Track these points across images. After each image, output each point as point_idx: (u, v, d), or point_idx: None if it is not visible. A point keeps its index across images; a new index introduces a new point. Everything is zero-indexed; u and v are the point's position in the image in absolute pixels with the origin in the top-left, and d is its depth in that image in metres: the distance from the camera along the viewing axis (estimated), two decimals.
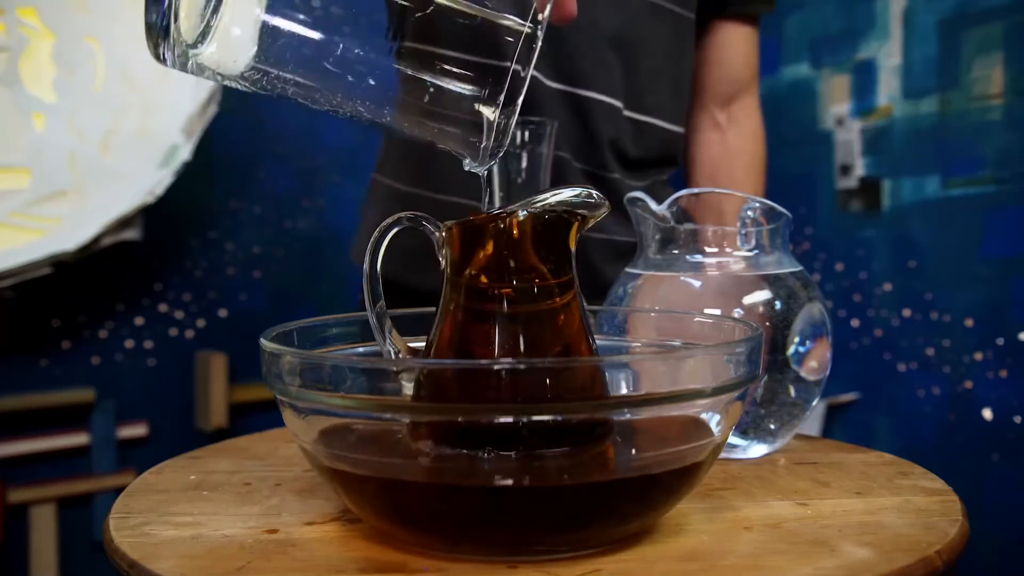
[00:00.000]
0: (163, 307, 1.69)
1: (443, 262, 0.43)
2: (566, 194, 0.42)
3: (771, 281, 0.56)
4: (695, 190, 0.58)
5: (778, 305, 0.55)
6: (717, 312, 0.54)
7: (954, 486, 0.48)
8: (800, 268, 0.58)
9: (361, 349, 0.50)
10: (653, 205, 0.57)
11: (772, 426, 0.55)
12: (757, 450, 0.56)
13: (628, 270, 0.60)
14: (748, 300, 0.54)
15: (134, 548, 0.39)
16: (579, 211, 0.42)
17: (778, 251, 0.58)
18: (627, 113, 0.85)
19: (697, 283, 0.56)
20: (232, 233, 1.71)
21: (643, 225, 0.59)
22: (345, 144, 1.84)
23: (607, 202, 0.43)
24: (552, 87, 0.82)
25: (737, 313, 0.54)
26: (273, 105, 1.80)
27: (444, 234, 0.43)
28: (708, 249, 0.57)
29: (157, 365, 1.68)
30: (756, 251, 0.57)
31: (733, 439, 0.55)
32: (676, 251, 0.57)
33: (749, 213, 0.57)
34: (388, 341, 0.45)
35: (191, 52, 0.39)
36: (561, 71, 0.82)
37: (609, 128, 0.84)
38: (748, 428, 0.55)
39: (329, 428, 0.42)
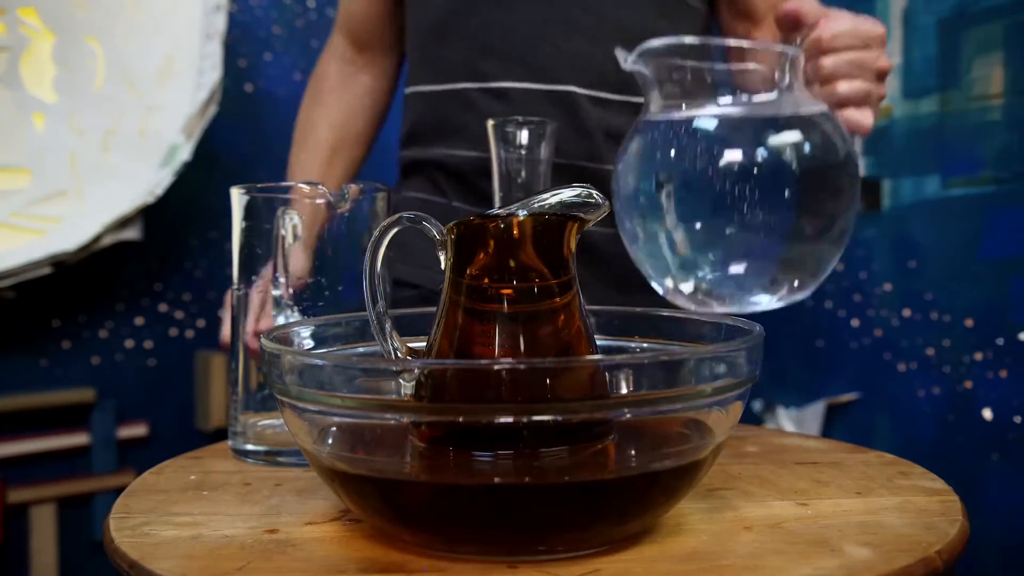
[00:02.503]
0: (163, 307, 1.69)
1: (443, 262, 0.43)
2: (566, 194, 0.42)
3: (797, 122, 0.53)
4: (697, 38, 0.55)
5: (807, 149, 0.52)
6: (739, 155, 0.51)
7: (954, 486, 0.48)
8: (824, 108, 0.55)
9: (361, 349, 0.50)
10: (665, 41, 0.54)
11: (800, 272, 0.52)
12: (767, 301, 0.53)
13: (643, 118, 0.57)
14: (774, 141, 0.52)
15: (134, 548, 0.39)
16: (579, 211, 0.42)
17: (796, 90, 0.54)
18: (615, 98, 0.84)
19: (718, 125, 0.53)
20: (232, 233, 1.71)
21: (659, 73, 0.56)
22: None
23: (607, 201, 0.43)
24: (533, 88, 0.82)
25: (761, 155, 0.52)
26: (273, 105, 1.80)
27: (445, 234, 0.43)
28: (732, 91, 0.54)
29: (157, 365, 1.68)
30: (776, 92, 0.54)
31: (754, 298, 0.52)
32: (695, 96, 0.54)
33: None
34: (388, 341, 0.45)
35: None
36: (544, 71, 0.82)
37: (598, 116, 0.83)
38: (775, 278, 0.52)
39: (329, 428, 0.42)
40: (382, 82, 0.98)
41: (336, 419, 0.41)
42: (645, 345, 0.51)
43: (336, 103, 0.96)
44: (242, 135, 1.75)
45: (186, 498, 0.47)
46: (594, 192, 0.42)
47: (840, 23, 0.59)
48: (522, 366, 0.35)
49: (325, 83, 0.97)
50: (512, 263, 0.41)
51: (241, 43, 1.75)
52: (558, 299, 0.42)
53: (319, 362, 0.39)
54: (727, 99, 0.55)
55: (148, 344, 1.67)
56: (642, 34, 0.85)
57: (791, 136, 0.52)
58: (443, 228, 0.43)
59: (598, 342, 0.47)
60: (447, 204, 0.86)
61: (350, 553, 0.39)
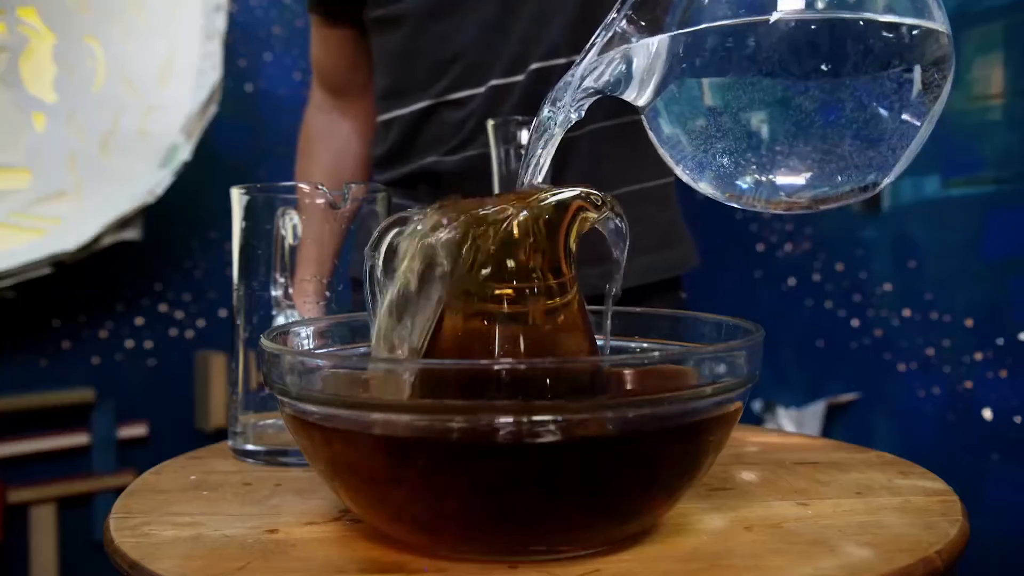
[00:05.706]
0: (163, 307, 1.69)
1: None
2: (566, 194, 0.42)
3: None
4: None
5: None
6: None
7: (954, 486, 0.48)
8: None
9: (362, 349, 0.50)
10: None
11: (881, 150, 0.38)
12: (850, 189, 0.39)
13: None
14: None
15: (134, 548, 0.39)
16: (580, 211, 0.42)
17: None
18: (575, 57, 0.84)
19: None
20: (232, 233, 1.71)
21: None
22: None
23: (608, 201, 0.43)
24: (495, 85, 0.82)
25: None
26: (273, 105, 1.80)
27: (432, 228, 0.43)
28: None
29: (157, 365, 1.68)
30: None
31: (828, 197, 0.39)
32: None
33: None
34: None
35: None
36: (498, 69, 0.82)
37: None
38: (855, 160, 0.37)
39: (328, 428, 0.42)
40: (364, 121, 1.02)
41: (335, 419, 0.41)
42: (645, 345, 0.51)
43: (324, 153, 1.01)
44: (242, 135, 1.75)
45: (186, 498, 0.47)
46: (594, 192, 0.42)
47: None
48: (522, 366, 0.35)
49: (311, 135, 1.02)
50: (511, 262, 0.41)
51: (241, 43, 1.75)
52: (558, 299, 0.42)
53: (319, 362, 0.39)
54: None
55: (148, 344, 1.67)
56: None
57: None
58: (431, 218, 0.43)
59: (598, 342, 0.47)
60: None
61: (350, 553, 0.39)
